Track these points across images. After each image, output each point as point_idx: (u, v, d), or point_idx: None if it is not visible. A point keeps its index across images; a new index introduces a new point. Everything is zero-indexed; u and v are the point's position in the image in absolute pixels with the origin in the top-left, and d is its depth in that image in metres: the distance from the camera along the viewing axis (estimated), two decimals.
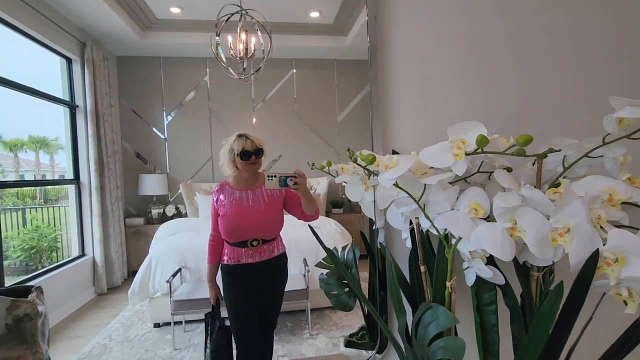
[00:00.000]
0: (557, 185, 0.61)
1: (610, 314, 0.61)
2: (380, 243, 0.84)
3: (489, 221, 0.57)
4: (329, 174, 0.92)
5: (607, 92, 0.97)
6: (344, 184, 0.87)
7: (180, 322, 2.32)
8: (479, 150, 0.54)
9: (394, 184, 0.58)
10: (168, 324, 2.30)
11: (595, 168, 0.65)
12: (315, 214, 1.37)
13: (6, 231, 3.11)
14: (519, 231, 0.52)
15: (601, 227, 0.50)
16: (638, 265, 0.46)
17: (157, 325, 2.37)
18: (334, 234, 2.59)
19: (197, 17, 2.94)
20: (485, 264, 0.59)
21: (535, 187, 0.60)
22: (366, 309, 0.95)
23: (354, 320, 2.34)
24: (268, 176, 1.10)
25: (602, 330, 0.61)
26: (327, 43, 3.08)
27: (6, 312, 0.76)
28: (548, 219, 0.51)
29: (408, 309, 0.71)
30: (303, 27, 3.03)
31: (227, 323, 1.46)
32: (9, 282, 2.47)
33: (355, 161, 0.57)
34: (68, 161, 2.83)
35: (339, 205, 3.21)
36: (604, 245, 0.49)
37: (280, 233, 1.52)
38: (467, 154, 0.54)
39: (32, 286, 0.85)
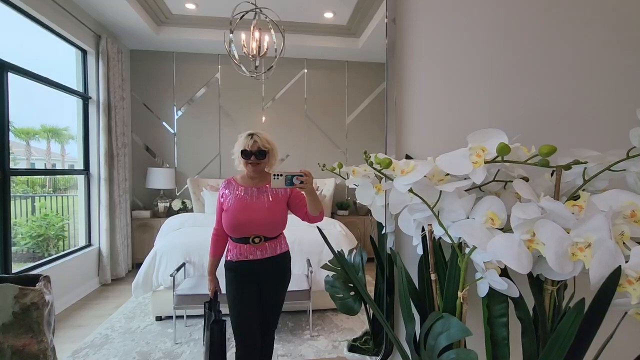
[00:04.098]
0: (576, 197, 0.60)
1: (629, 334, 0.59)
2: (390, 248, 0.83)
3: (505, 232, 0.56)
4: (340, 175, 0.91)
5: (635, 105, 0.95)
6: (354, 186, 0.86)
7: (182, 317, 2.33)
8: (499, 158, 0.53)
9: (408, 190, 0.57)
10: (170, 317, 2.31)
11: (615, 182, 0.64)
12: (319, 215, 1.36)
13: (15, 218, 3.16)
14: (537, 244, 0.51)
15: (624, 243, 0.49)
16: None
17: (159, 319, 2.38)
18: (339, 235, 2.59)
19: (212, 14, 2.96)
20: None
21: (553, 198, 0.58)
22: (371, 313, 0.94)
23: (356, 323, 2.33)
24: (274, 175, 1.09)
25: (619, 350, 0.59)
26: (339, 44, 3.08)
27: (14, 300, 0.76)
28: (567, 233, 0.50)
29: (416, 316, 0.70)
30: (316, 28, 3.03)
31: (222, 317, 1.47)
32: (16, 268, 2.50)
33: (370, 164, 0.57)
34: (79, 152, 2.86)
35: (344, 207, 3.20)
36: (626, 262, 0.47)
37: (285, 233, 1.52)
38: (486, 162, 0.53)
39: (39, 275, 0.85)
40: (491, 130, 0.55)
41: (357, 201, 0.87)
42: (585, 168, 0.63)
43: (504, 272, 0.61)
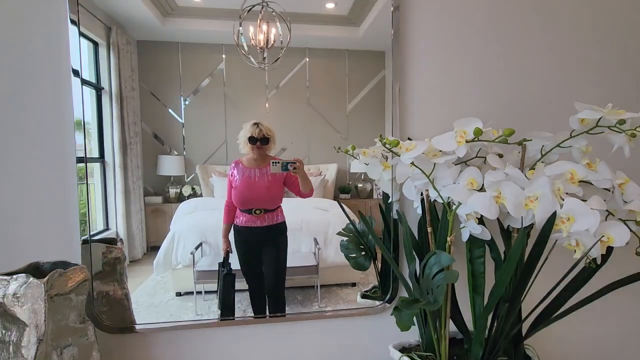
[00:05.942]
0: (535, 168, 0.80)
1: (561, 258, 0.81)
2: (396, 211, 1.04)
3: (480, 192, 0.77)
4: (353, 156, 1.12)
5: (585, 96, 1.15)
6: (356, 170, 1.09)
7: (201, 292, 2.55)
8: (476, 139, 0.73)
9: (410, 163, 0.77)
10: (189, 293, 2.52)
11: (565, 155, 0.84)
12: (309, 192, 1.67)
13: None
14: (502, 198, 0.72)
15: (561, 197, 0.70)
16: (583, 223, 0.66)
17: (178, 294, 2.59)
18: (342, 215, 2.80)
19: (217, 5, 3.06)
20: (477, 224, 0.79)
21: (518, 168, 0.79)
22: (380, 267, 1.16)
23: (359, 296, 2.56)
24: (273, 162, 1.38)
25: (553, 272, 0.79)
26: (341, 33, 3.19)
27: (102, 256, 0.99)
28: (523, 190, 0.71)
29: (416, 261, 0.91)
30: (318, 18, 3.14)
31: (233, 272, 1.78)
32: None
33: (384, 144, 0.77)
34: (94, 140, 3.01)
35: (346, 191, 3.40)
36: (561, 208, 0.68)
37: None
38: (467, 142, 0.73)
39: (116, 238, 1.06)
40: (470, 118, 0.75)
41: (368, 177, 1.08)
42: (543, 145, 0.84)
43: (482, 223, 0.82)
